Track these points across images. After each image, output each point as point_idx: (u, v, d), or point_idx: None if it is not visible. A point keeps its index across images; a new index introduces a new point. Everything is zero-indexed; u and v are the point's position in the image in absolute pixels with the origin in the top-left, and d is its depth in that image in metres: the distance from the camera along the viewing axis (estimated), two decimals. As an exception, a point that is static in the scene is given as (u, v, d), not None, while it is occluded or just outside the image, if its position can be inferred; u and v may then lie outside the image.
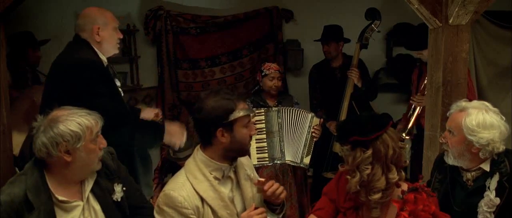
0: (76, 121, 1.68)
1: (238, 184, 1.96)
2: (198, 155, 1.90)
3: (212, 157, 1.88)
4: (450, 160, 2.03)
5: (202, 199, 1.84)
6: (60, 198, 1.71)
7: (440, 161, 2.17)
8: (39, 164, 1.72)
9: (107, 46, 2.54)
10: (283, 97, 3.62)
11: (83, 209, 1.76)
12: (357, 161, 1.72)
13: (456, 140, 1.98)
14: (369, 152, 1.71)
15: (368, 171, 1.72)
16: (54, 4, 4.45)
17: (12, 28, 3.32)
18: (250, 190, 1.96)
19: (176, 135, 2.48)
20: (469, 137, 1.93)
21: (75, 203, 1.75)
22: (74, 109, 1.75)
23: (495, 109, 2.00)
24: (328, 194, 1.97)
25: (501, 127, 1.93)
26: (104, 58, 2.53)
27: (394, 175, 1.74)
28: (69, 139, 1.65)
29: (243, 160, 2.02)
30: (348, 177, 1.78)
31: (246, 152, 1.96)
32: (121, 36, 2.63)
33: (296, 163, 3.32)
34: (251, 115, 1.89)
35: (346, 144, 1.76)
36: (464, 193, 2.03)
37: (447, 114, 2.10)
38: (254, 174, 2.03)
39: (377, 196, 1.73)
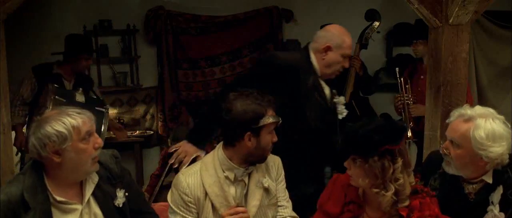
0: (62, 120, 1.65)
1: (248, 189, 1.94)
2: (219, 151, 1.92)
3: (230, 158, 1.89)
4: (451, 170, 1.86)
5: (206, 193, 1.87)
6: (58, 198, 1.69)
7: (433, 164, 2.00)
8: (38, 165, 1.71)
9: (327, 68, 2.44)
10: None
11: (81, 213, 1.74)
12: (388, 172, 1.61)
13: (461, 152, 1.79)
14: (400, 160, 1.62)
15: (401, 181, 1.62)
16: (54, 4, 4.46)
17: (12, 28, 3.31)
18: (257, 198, 1.93)
19: None
20: (479, 152, 1.74)
21: (73, 206, 1.73)
22: (67, 108, 1.73)
23: (501, 117, 1.82)
24: (323, 207, 1.87)
25: (509, 137, 1.76)
26: (318, 72, 2.45)
27: (412, 179, 1.69)
28: (55, 140, 1.63)
29: (267, 165, 2.00)
30: (376, 190, 1.64)
31: (265, 158, 1.94)
32: (346, 66, 2.51)
33: None
34: (278, 123, 1.89)
35: (373, 155, 1.62)
36: (465, 206, 1.88)
37: (447, 121, 1.90)
38: (270, 183, 1.97)
39: (406, 203, 1.66)
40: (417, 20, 3.33)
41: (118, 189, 1.81)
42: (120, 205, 1.80)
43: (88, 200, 1.76)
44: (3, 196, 1.62)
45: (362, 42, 3.74)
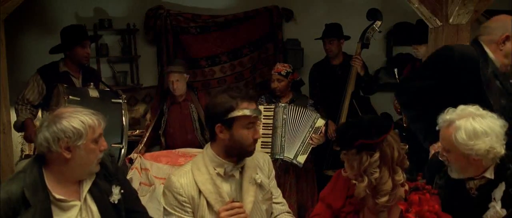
0: (79, 118, 1.69)
1: (241, 186, 1.94)
2: (207, 149, 1.94)
3: (217, 153, 1.91)
4: (454, 175, 1.89)
5: (200, 191, 1.88)
6: (57, 196, 1.71)
7: (437, 164, 2.04)
8: (39, 162, 1.72)
9: (506, 58, 2.39)
10: (298, 96, 3.65)
11: (80, 209, 1.76)
12: (364, 165, 1.68)
13: (455, 156, 1.85)
14: (377, 155, 1.67)
15: (376, 175, 1.68)
16: (53, 3, 4.45)
17: (11, 27, 3.31)
18: (251, 194, 1.93)
19: None
20: (467, 152, 1.79)
21: (72, 203, 1.75)
22: (80, 107, 1.77)
23: (483, 112, 1.85)
24: (325, 199, 1.92)
25: (495, 129, 1.80)
26: (496, 63, 2.39)
27: (400, 177, 1.72)
28: (71, 136, 1.66)
29: (258, 162, 2.01)
30: (354, 182, 1.74)
31: (248, 153, 1.93)
32: None
33: (290, 159, 3.33)
34: (253, 116, 1.86)
35: (351, 148, 1.71)
36: (468, 203, 1.90)
37: (437, 128, 1.94)
38: (263, 179, 1.98)
39: (384, 199, 1.70)
40: (419, 20, 3.33)
41: (114, 186, 1.83)
42: (116, 202, 1.82)
43: (85, 197, 1.78)
44: (3, 194, 1.63)
45: (364, 41, 3.75)
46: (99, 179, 1.81)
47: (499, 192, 1.80)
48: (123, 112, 2.79)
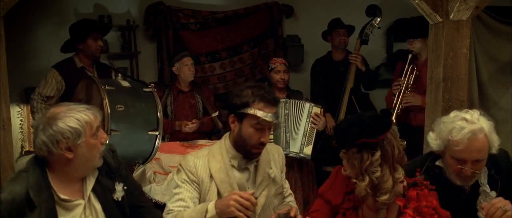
0: (74, 117, 1.65)
1: (255, 179, 1.97)
2: (225, 139, 1.99)
3: (232, 144, 1.95)
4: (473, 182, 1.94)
5: (212, 177, 1.91)
6: (62, 196, 1.69)
7: (428, 168, 2.03)
8: (41, 162, 1.69)
9: None
10: (293, 92, 3.66)
11: (84, 208, 1.74)
12: (365, 164, 1.67)
13: (484, 162, 1.90)
14: (378, 154, 1.66)
15: (378, 174, 1.66)
16: (53, 1, 4.44)
17: (11, 25, 3.30)
18: (265, 188, 1.97)
19: None
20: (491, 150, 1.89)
21: (76, 202, 1.73)
22: (72, 104, 1.73)
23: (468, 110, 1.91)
24: (324, 195, 1.92)
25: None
26: None
27: (400, 174, 1.71)
28: (69, 136, 1.62)
29: (273, 155, 2.04)
30: (355, 180, 1.72)
31: (251, 154, 1.93)
32: None
33: (297, 153, 3.33)
34: (263, 119, 1.84)
35: (352, 147, 1.70)
36: (462, 199, 1.97)
37: (456, 147, 1.86)
38: (276, 174, 2.00)
39: (385, 197, 1.69)
40: (413, 17, 3.33)
41: (117, 183, 1.81)
42: (119, 199, 1.80)
43: (89, 195, 1.76)
44: (7, 194, 1.60)
45: (363, 38, 3.76)
46: (101, 176, 1.79)
47: (483, 175, 1.91)
48: (156, 99, 2.80)
